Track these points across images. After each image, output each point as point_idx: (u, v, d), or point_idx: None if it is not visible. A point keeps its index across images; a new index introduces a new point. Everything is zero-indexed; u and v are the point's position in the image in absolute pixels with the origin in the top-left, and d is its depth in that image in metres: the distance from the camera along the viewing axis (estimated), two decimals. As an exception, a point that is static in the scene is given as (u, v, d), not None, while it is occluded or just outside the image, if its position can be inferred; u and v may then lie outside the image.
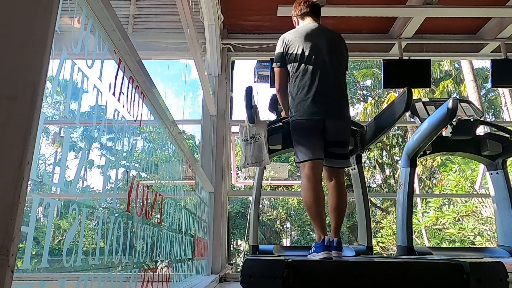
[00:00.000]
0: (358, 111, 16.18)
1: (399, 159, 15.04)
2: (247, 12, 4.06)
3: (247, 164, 2.53)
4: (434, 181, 14.62)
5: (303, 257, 2.16)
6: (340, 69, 2.42)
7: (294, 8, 2.58)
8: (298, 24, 2.56)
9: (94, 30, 1.06)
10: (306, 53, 2.32)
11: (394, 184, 14.87)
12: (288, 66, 2.38)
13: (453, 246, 8.54)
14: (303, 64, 2.31)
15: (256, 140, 2.51)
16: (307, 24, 2.49)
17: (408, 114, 3.29)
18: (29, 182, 0.67)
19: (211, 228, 3.68)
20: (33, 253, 0.78)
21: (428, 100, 3.34)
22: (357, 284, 1.64)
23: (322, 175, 2.30)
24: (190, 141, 14.27)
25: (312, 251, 2.11)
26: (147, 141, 1.74)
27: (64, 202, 0.95)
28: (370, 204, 3.14)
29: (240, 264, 2.57)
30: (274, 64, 2.44)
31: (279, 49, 2.42)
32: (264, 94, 4.19)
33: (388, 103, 8.94)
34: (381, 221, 12.67)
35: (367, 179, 14.78)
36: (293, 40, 2.37)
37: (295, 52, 2.34)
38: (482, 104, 12.14)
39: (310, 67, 2.29)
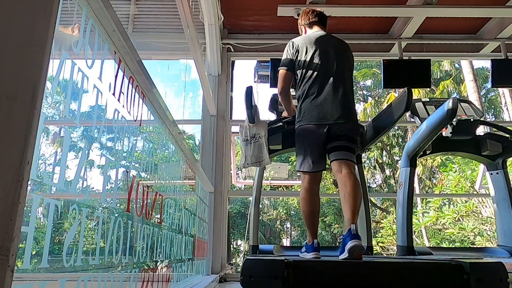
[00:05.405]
0: (358, 111, 16.16)
1: (399, 159, 15.03)
2: (247, 12, 4.06)
3: (247, 164, 2.54)
4: (434, 181, 14.61)
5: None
6: (347, 77, 2.43)
7: (301, 17, 2.60)
8: (305, 33, 2.57)
9: (94, 30, 1.06)
10: (315, 60, 2.33)
11: (394, 184, 14.86)
12: (297, 72, 2.39)
13: (453, 246, 8.54)
14: (311, 71, 2.32)
15: (256, 140, 2.52)
16: (315, 32, 2.50)
17: (408, 114, 3.30)
18: (29, 182, 0.67)
19: (211, 228, 3.68)
20: (33, 253, 0.78)
21: (428, 100, 3.34)
22: (357, 284, 1.64)
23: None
24: (190, 141, 14.25)
25: (303, 250, 2.24)
26: (147, 141, 1.74)
27: (64, 202, 0.95)
28: (370, 204, 3.14)
29: (240, 264, 2.57)
30: (280, 67, 2.43)
31: (288, 52, 2.43)
32: (264, 94, 4.20)
33: (388, 103, 8.93)
34: (381, 221, 12.66)
35: (367, 179, 14.77)
36: (303, 46, 2.39)
37: (304, 58, 2.36)
38: (482, 104, 12.14)
39: (319, 74, 2.31)
